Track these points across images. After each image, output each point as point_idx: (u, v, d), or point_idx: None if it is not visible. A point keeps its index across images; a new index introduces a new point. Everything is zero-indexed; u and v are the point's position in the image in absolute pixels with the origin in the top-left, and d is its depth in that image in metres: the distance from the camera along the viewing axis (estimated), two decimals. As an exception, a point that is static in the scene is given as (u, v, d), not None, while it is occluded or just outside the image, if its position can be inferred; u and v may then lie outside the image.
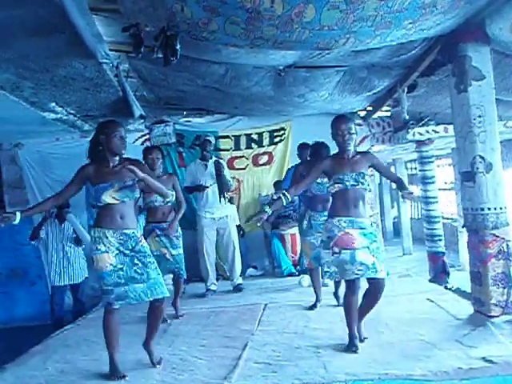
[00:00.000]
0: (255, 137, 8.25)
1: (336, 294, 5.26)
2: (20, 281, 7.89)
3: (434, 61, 4.91)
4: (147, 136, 8.03)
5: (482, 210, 4.27)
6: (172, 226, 5.15)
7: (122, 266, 3.55)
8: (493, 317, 4.21)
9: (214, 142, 6.65)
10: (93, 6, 4.14)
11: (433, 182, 7.64)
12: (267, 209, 3.86)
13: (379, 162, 4.04)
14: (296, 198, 5.98)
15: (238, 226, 7.47)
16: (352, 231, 3.76)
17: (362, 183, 3.79)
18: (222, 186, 6.39)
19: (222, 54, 4.60)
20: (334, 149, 4.19)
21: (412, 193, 3.95)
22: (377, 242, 3.85)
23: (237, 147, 8.24)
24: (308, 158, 5.54)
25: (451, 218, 10.82)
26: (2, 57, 4.05)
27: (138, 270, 3.57)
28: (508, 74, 5.17)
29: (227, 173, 6.55)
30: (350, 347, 3.81)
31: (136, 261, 3.58)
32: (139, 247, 3.61)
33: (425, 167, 7.66)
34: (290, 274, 7.16)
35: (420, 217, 10.61)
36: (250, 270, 7.81)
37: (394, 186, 4.50)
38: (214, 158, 6.56)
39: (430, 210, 7.55)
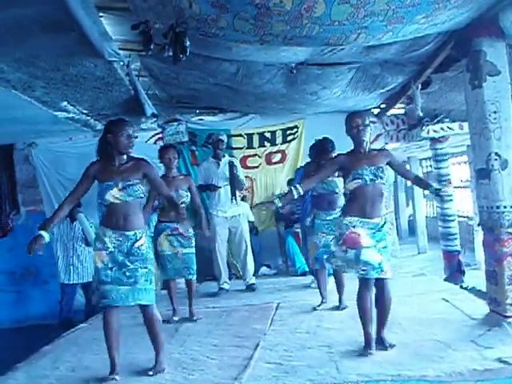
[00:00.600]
0: (268, 135, 8.23)
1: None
2: (33, 280, 7.95)
3: (448, 56, 4.84)
4: (160, 135, 8.04)
5: (498, 207, 4.17)
6: (203, 227, 5.34)
7: (112, 266, 3.55)
8: (509, 317, 4.10)
9: (226, 140, 6.62)
10: (102, 5, 4.17)
11: (448, 180, 7.55)
12: (277, 201, 3.83)
13: (396, 159, 3.98)
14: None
15: (252, 225, 7.46)
16: (360, 231, 3.71)
17: (382, 177, 3.72)
18: (235, 187, 6.36)
19: (233, 52, 4.58)
20: (341, 146, 4.14)
21: (441, 189, 3.92)
22: (385, 241, 3.77)
23: (250, 145, 8.23)
24: (313, 156, 5.45)
25: (467, 217, 10.70)
26: (13, 56, 4.04)
27: (127, 273, 3.54)
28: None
29: (241, 173, 6.51)
30: (364, 349, 3.73)
31: (128, 262, 3.54)
32: (135, 250, 3.56)
33: (440, 165, 7.57)
34: (304, 273, 7.09)
35: (435, 215, 10.49)
36: (264, 269, 7.79)
37: (410, 183, 4.36)
38: (228, 158, 6.52)
39: (445, 209, 7.47)
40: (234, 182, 6.31)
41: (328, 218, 5.11)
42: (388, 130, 8.08)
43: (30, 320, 7.64)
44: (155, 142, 8.01)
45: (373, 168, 3.73)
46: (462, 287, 6.16)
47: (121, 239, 3.55)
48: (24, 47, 3.87)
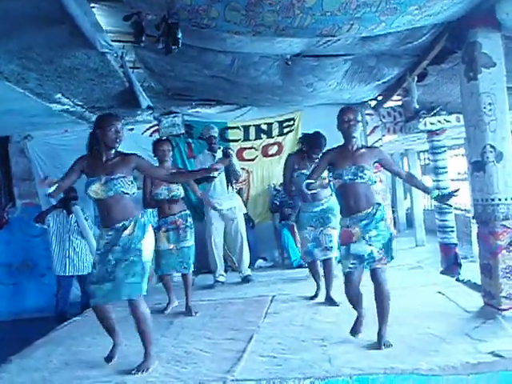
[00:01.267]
0: (264, 127, 8.19)
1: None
2: (30, 272, 7.94)
3: (444, 48, 4.81)
4: (156, 127, 8.01)
5: (493, 200, 4.16)
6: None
7: (97, 265, 3.57)
8: (503, 310, 4.10)
9: (217, 135, 6.54)
10: (96, -4, 4.15)
11: (445, 173, 7.53)
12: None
13: (387, 157, 3.94)
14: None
15: (248, 217, 7.44)
16: (352, 229, 3.75)
17: (362, 177, 3.70)
18: (231, 174, 6.33)
19: (227, 43, 4.55)
20: (338, 139, 4.11)
21: (445, 196, 3.94)
22: (377, 230, 3.72)
23: (246, 138, 8.19)
24: (303, 149, 5.39)
25: (464, 209, 10.68)
26: (5, 48, 4.01)
27: (109, 269, 3.50)
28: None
29: (236, 162, 6.49)
30: (351, 331, 3.92)
31: (110, 257, 3.51)
32: (120, 240, 3.50)
33: (437, 157, 7.56)
34: (300, 266, 7.08)
35: (433, 208, 10.48)
36: (260, 262, 7.78)
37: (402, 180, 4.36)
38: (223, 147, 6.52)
39: (441, 201, 7.44)
40: (230, 168, 6.28)
41: (314, 210, 5.11)
42: (385, 122, 8.04)
43: (27, 313, 7.63)
44: (151, 135, 7.97)
45: (353, 167, 3.72)
46: (458, 280, 6.15)
47: (111, 233, 3.55)
48: (15, 39, 3.84)
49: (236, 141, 8.16)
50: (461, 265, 7.13)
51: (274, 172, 8.16)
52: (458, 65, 4.52)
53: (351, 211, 3.76)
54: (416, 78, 5.91)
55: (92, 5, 4.02)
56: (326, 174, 4.03)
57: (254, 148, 8.19)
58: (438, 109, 7.17)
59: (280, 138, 8.19)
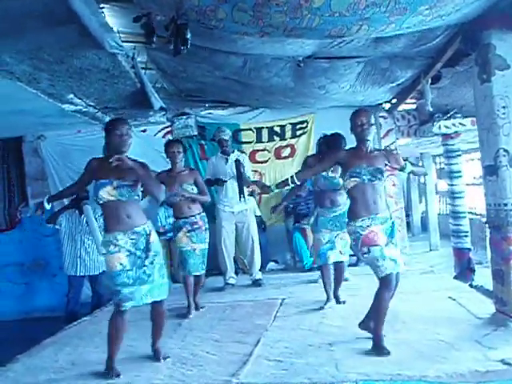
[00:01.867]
0: (277, 129, 8.14)
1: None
2: (42, 272, 7.99)
3: (458, 50, 4.72)
4: (169, 129, 8.02)
5: (506, 205, 4.08)
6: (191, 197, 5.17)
7: (131, 267, 3.54)
8: (515, 317, 4.03)
9: (228, 137, 6.54)
10: (106, -4, 4.15)
11: (459, 177, 7.42)
12: (273, 187, 3.90)
13: (394, 156, 3.93)
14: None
15: (260, 219, 7.42)
16: (375, 228, 3.69)
17: (380, 179, 3.71)
18: (243, 186, 6.32)
19: (238, 45, 4.53)
20: (352, 142, 4.07)
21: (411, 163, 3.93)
22: (394, 237, 3.77)
23: (259, 140, 8.15)
24: (321, 150, 5.36)
25: (480, 214, 10.54)
26: (15, 47, 4.01)
27: (147, 271, 3.56)
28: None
29: (248, 168, 6.48)
30: (380, 351, 3.63)
31: (146, 261, 3.57)
32: (150, 245, 3.59)
33: (451, 161, 7.43)
34: (311, 269, 7.03)
35: (447, 212, 10.36)
36: (271, 264, 7.75)
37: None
38: (236, 154, 6.50)
39: (456, 206, 7.35)
40: (241, 181, 6.27)
41: (332, 215, 5.06)
42: (399, 125, 7.96)
43: (38, 312, 7.66)
44: (164, 136, 7.98)
45: (371, 169, 3.71)
46: (471, 285, 6.06)
47: (134, 237, 3.56)
48: (25, 39, 3.84)
49: (249, 143, 8.13)
50: (474, 270, 7.01)
51: (286, 174, 7.99)
52: (472, 67, 4.46)
53: (370, 212, 3.71)
54: (430, 81, 5.82)
55: (102, 5, 4.03)
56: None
57: (267, 150, 8.15)
58: (452, 112, 7.07)
59: (293, 141, 8.15)
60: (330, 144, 5.11)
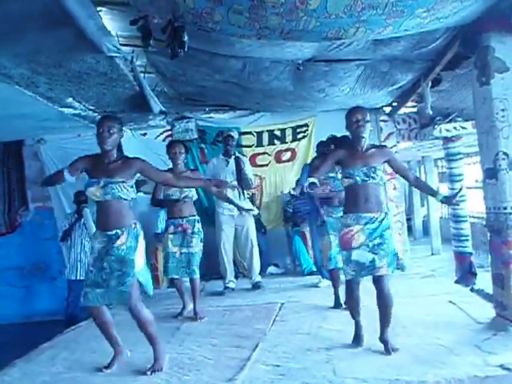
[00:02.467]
0: (278, 133, 8.13)
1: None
2: (42, 276, 8.00)
3: (458, 53, 4.69)
4: (169, 132, 8.00)
5: (505, 208, 4.05)
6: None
7: (92, 269, 3.56)
8: (515, 321, 4.00)
9: (236, 137, 6.57)
10: (103, 0, 4.14)
11: (461, 180, 7.40)
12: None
13: (395, 158, 3.90)
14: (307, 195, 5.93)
15: (260, 224, 7.40)
16: (354, 228, 3.67)
17: (374, 178, 3.66)
18: (242, 183, 6.30)
19: (236, 48, 4.51)
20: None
21: (450, 197, 3.92)
22: (381, 238, 3.67)
23: (259, 143, 8.14)
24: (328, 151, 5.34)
25: (482, 217, 10.51)
26: (13, 51, 4.00)
27: (104, 276, 3.52)
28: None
29: (249, 170, 6.46)
30: (353, 341, 3.90)
31: (105, 265, 3.53)
32: (114, 249, 3.51)
33: (452, 165, 7.42)
34: (311, 273, 7.01)
35: (448, 216, 10.34)
36: (271, 268, 7.72)
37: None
38: (237, 155, 6.49)
39: (457, 209, 7.31)
40: (241, 177, 6.25)
41: (339, 215, 5.02)
42: (400, 128, 7.92)
43: (38, 316, 7.68)
44: (164, 140, 7.96)
45: (365, 168, 3.67)
46: (472, 289, 6.03)
47: (105, 239, 3.55)
48: (23, 42, 3.83)
49: (249, 146, 8.11)
50: (476, 274, 6.99)
51: (286, 178, 8.10)
52: (472, 70, 4.43)
53: (358, 209, 3.69)
54: (430, 84, 5.80)
55: (99, 8, 4.01)
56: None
57: (267, 154, 8.14)
58: (453, 115, 7.05)
59: (293, 144, 8.13)
60: (338, 145, 5.09)
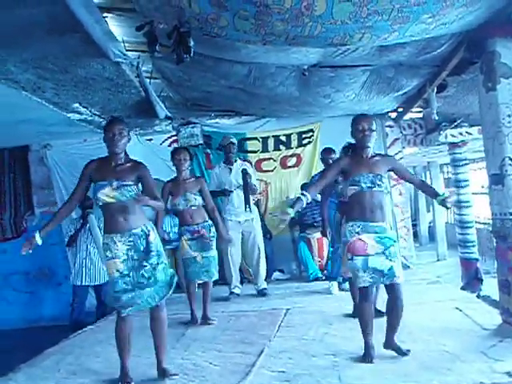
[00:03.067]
0: (283, 138, 8.14)
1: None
2: (47, 281, 7.99)
3: (464, 59, 4.69)
4: (175, 137, 8.03)
5: (511, 214, 4.04)
6: (220, 231, 5.26)
7: (128, 272, 3.49)
8: (522, 328, 3.97)
9: (236, 144, 6.56)
10: (110, 6, 4.16)
11: (466, 186, 7.38)
12: (290, 210, 3.74)
13: (400, 166, 3.89)
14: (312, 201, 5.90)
15: (265, 229, 7.39)
16: (365, 237, 3.60)
17: (379, 185, 3.62)
18: (249, 196, 6.29)
19: (242, 53, 4.52)
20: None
21: (448, 197, 3.76)
22: (395, 247, 3.66)
23: (264, 149, 8.15)
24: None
25: (488, 223, 10.47)
26: (20, 57, 4.04)
27: (145, 274, 3.49)
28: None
29: (254, 178, 6.45)
30: (365, 357, 3.66)
31: (145, 263, 3.50)
32: (151, 245, 3.51)
33: (458, 170, 7.41)
34: (316, 279, 7.00)
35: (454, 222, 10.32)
36: (277, 274, 7.70)
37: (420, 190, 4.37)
38: (240, 163, 6.46)
39: (462, 215, 7.30)
40: (248, 190, 6.24)
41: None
42: (405, 134, 7.93)
43: (43, 321, 7.69)
44: (170, 145, 7.99)
45: (371, 175, 3.63)
46: (478, 296, 6.00)
47: (132, 239, 3.50)
48: (29, 48, 3.87)
49: (254, 152, 8.13)
50: (482, 280, 6.96)
51: (292, 183, 8.10)
52: (478, 75, 4.43)
53: (364, 218, 3.63)
54: (436, 89, 5.80)
55: (106, 14, 4.03)
56: None
57: (273, 159, 8.15)
58: (459, 121, 7.05)
59: (299, 150, 8.14)
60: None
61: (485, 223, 10.40)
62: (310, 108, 6.90)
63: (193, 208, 5.15)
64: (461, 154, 7.42)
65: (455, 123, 7.06)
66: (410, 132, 7.95)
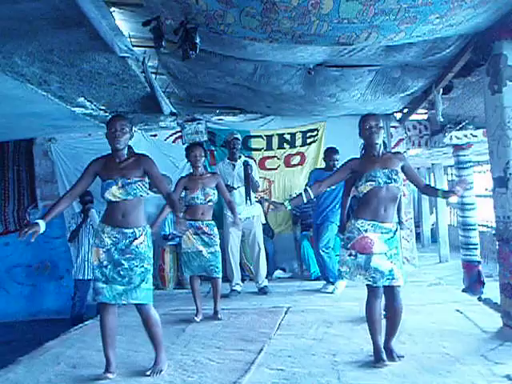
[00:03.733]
0: (288, 137, 8.14)
1: None
2: (49, 274, 8.00)
3: (470, 61, 4.66)
4: (179, 134, 8.02)
5: (515, 218, 4.03)
6: (236, 221, 5.31)
7: (107, 264, 3.54)
8: (523, 332, 3.97)
9: (241, 140, 6.58)
10: (116, 1, 4.15)
11: (470, 189, 7.36)
12: (287, 203, 3.75)
13: (409, 165, 3.86)
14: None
15: (268, 228, 7.39)
16: (372, 235, 3.57)
17: (396, 180, 3.58)
18: (250, 188, 6.30)
19: (248, 51, 4.50)
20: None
21: (453, 192, 3.74)
22: (397, 248, 3.64)
23: (269, 147, 8.15)
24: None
25: (491, 226, 10.45)
26: (26, 50, 4.04)
27: (121, 272, 3.52)
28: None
29: (256, 174, 6.45)
30: (376, 362, 3.57)
31: (123, 261, 3.52)
32: (133, 248, 3.53)
33: (462, 172, 7.39)
34: (318, 278, 6.99)
35: (457, 224, 10.29)
36: (278, 272, 7.69)
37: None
38: (244, 159, 6.47)
39: (465, 217, 7.28)
40: (249, 182, 6.25)
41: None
42: (410, 135, 7.91)
43: (44, 314, 7.72)
44: (174, 141, 8.01)
45: (386, 171, 3.60)
46: (479, 299, 5.99)
47: (118, 236, 3.54)
48: (36, 41, 3.88)
49: (259, 150, 8.13)
50: (484, 283, 6.94)
51: (295, 182, 8.09)
52: (484, 77, 4.41)
53: (376, 217, 3.59)
54: (441, 91, 5.77)
55: (112, 9, 4.03)
56: None
57: (277, 157, 8.14)
58: (464, 123, 7.02)
59: (303, 149, 8.13)
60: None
61: (488, 226, 10.38)
62: (314, 107, 6.88)
63: (209, 204, 5.19)
64: (465, 156, 7.39)
65: (460, 125, 7.04)
66: (415, 133, 7.94)
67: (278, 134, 8.12)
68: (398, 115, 7.88)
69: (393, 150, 7.57)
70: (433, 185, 11.47)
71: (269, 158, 8.15)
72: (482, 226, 9.90)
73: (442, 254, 10.51)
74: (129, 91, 5.49)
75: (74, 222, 6.83)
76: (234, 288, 6.42)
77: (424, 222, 13.29)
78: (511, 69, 3.98)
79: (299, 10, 3.06)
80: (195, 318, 5.16)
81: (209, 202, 5.16)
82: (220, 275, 5.26)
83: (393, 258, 3.58)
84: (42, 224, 3.32)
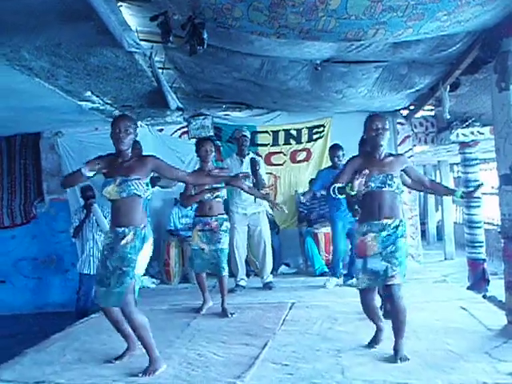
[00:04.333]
0: (294, 133, 8.15)
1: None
2: (55, 267, 8.07)
3: (477, 58, 4.65)
4: (185, 129, 8.04)
5: (520, 216, 4.03)
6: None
7: (102, 266, 3.57)
8: (527, 329, 3.96)
9: (249, 136, 6.58)
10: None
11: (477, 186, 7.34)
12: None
13: (411, 166, 3.87)
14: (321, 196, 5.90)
15: (273, 223, 7.39)
16: (369, 237, 3.63)
17: (390, 185, 3.60)
18: (257, 185, 6.30)
19: (255, 46, 4.50)
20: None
21: (469, 192, 3.85)
22: (395, 245, 3.61)
23: (275, 143, 8.17)
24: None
25: (497, 224, 10.44)
26: (34, 44, 4.06)
27: (107, 274, 3.49)
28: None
29: (263, 170, 6.45)
30: (370, 342, 3.85)
31: (108, 263, 3.50)
32: (119, 247, 3.47)
33: (468, 170, 7.39)
34: (323, 274, 6.99)
35: (462, 221, 10.29)
36: (283, 268, 7.70)
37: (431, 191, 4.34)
38: (251, 155, 6.48)
39: (471, 215, 7.28)
40: (256, 179, 6.25)
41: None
42: (416, 132, 7.91)
43: (50, 307, 7.78)
44: (180, 136, 8.04)
45: (381, 176, 3.61)
46: (484, 296, 5.99)
47: (111, 236, 3.55)
48: (44, 35, 3.89)
49: (265, 145, 8.15)
50: (489, 281, 6.94)
51: (301, 178, 8.11)
52: (491, 75, 4.40)
53: (372, 217, 3.64)
54: (448, 88, 5.76)
55: (120, 3, 4.04)
56: None
57: (283, 153, 8.16)
58: (471, 120, 7.01)
59: (309, 145, 8.14)
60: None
61: (493, 224, 10.37)
62: (321, 103, 6.88)
63: (217, 200, 5.20)
64: (472, 153, 7.38)
65: (467, 122, 7.03)
66: (421, 130, 7.93)
67: (284, 130, 8.13)
68: (405, 112, 7.86)
69: (399, 149, 7.61)
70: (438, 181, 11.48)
71: (275, 153, 8.17)
72: (488, 223, 9.89)
73: (448, 251, 10.52)
74: (136, 86, 5.51)
75: (76, 217, 6.83)
76: (238, 283, 6.42)
77: (430, 220, 13.29)
78: (519, 66, 3.97)
79: (307, 5, 3.06)
80: (201, 309, 5.25)
81: (216, 197, 5.16)
82: (226, 273, 5.24)
83: (389, 256, 3.59)
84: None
